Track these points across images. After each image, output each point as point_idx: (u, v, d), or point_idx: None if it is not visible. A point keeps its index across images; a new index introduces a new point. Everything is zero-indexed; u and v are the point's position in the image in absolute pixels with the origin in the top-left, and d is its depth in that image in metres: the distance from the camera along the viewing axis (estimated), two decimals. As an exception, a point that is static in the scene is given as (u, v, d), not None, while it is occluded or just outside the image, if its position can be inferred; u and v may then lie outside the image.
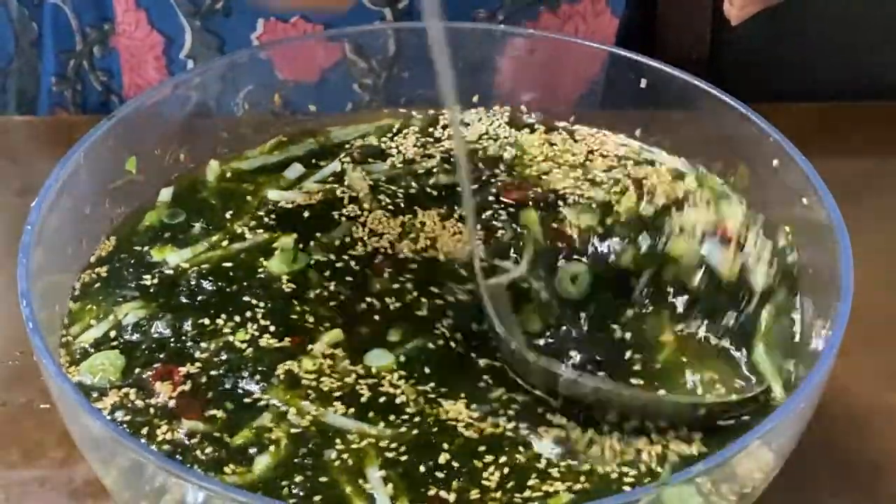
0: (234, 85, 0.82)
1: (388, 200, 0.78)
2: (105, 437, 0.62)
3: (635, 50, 0.82)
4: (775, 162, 0.75)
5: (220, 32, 0.91)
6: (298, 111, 0.85)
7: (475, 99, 0.86)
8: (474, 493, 0.64)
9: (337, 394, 0.68)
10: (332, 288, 0.73)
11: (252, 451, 0.65)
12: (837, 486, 0.74)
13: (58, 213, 0.71)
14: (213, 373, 0.68)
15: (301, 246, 0.75)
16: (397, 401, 0.68)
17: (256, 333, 0.70)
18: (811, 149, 0.75)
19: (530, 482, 0.64)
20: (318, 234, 0.76)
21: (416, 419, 0.67)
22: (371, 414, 0.67)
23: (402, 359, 0.70)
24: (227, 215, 0.78)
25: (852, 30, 1.02)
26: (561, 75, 0.85)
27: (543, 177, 0.80)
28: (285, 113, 0.85)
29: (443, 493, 0.64)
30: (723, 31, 1.00)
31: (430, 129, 0.84)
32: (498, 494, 0.64)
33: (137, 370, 0.69)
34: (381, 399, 0.68)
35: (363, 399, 0.68)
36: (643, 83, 0.81)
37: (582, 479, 0.65)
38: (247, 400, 0.68)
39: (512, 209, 0.78)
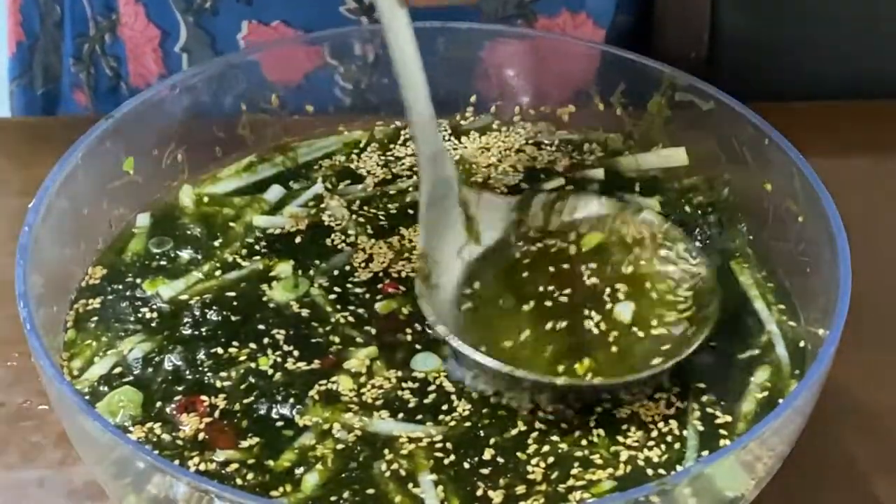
0: (231, 86, 0.82)
1: (370, 224, 0.79)
2: (104, 439, 0.62)
3: (633, 49, 0.82)
4: (774, 162, 0.75)
5: (211, 29, 0.93)
6: (297, 112, 0.85)
7: (472, 99, 0.86)
8: (520, 489, 0.64)
9: (380, 402, 0.68)
10: (348, 310, 0.73)
11: (298, 471, 0.65)
12: (837, 486, 0.74)
13: (56, 214, 0.71)
14: (244, 400, 0.68)
15: (300, 272, 0.75)
16: (443, 404, 0.68)
17: (280, 359, 0.70)
18: (810, 148, 0.75)
19: (573, 471, 0.65)
20: (317, 262, 0.76)
21: (465, 413, 0.68)
22: (419, 416, 0.68)
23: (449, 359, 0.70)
24: (216, 243, 0.77)
25: (852, 30, 1.02)
26: (551, 74, 0.86)
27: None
28: (283, 113, 0.85)
29: (490, 493, 0.64)
30: (722, 31, 1.00)
31: (391, 146, 0.85)
32: (543, 487, 0.65)
33: (159, 404, 0.68)
34: (427, 400, 0.69)
35: (410, 404, 0.68)
36: (639, 82, 0.82)
37: (622, 465, 0.66)
38: (284, 423, 0.68)
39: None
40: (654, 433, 0.67)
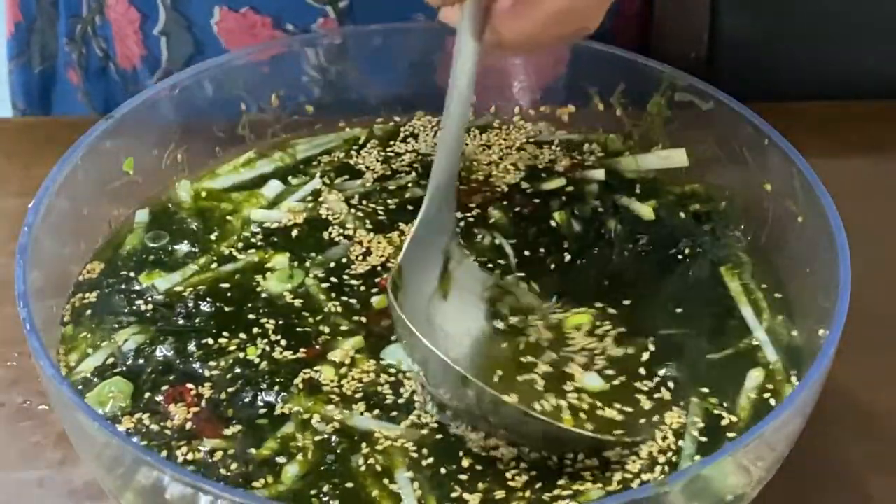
0: (230, 86, 0.82)
1: (369, 218, 0.79)
2: (103, 439, 0.62)
3: (632, 50, 0.82)
4: (773, 162, 0.75)
5: (187, 14, 0.94)
6: (297, 112, 0.85)
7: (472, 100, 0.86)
8: (499, 494, 0.64)
9: (359, 395, 0.68)
10: (341, 301, 0.74)
11: (280, 460, 0.66)
12: (838, 486, 0.74)
13: (56, 214, 0.72)
14: (229, 389, 0.69)
15: (296, 264, 0.76)
16: (416, 405, 0.68)
17: (268, 348, 0.71)
18: (810, 149, 0.75)
19: (560, 481, 0.65)
20: (313, 255, 0.76)
21: (437, 425, 0.68)
22: (394, 413, 0.68)
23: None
24: (213, 237, 0.78)
25: (852, 29, 1.02)
26: (528, 70, 0.86)
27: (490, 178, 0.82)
28: (283, 113, 0.85)
29: (466, 496, 0.64)
30: (721, 31, 1.00)
31: (391, 142, 0.85)
32: (526, 493, 0.64)
33: (147, 395, 0.69)
34: (402, 400, 0.69)
35: (387, 400, 0.68)
36: (638, 83, 0.82)
37: (615, 483, 0.65)
38: (268, 411, 0.68)
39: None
40: (662, 459, 0.67)
